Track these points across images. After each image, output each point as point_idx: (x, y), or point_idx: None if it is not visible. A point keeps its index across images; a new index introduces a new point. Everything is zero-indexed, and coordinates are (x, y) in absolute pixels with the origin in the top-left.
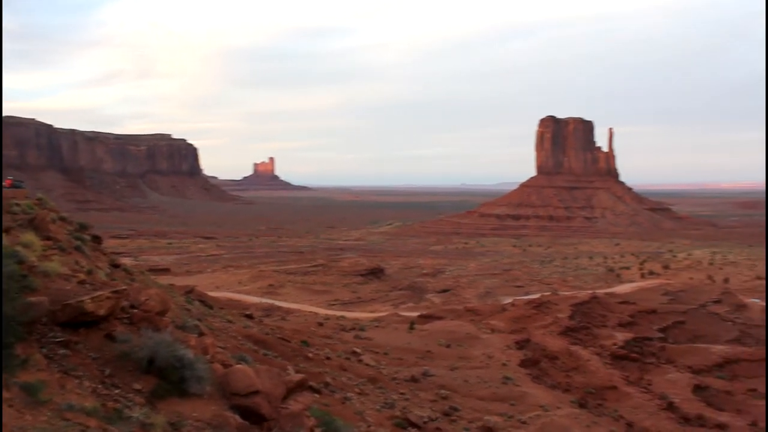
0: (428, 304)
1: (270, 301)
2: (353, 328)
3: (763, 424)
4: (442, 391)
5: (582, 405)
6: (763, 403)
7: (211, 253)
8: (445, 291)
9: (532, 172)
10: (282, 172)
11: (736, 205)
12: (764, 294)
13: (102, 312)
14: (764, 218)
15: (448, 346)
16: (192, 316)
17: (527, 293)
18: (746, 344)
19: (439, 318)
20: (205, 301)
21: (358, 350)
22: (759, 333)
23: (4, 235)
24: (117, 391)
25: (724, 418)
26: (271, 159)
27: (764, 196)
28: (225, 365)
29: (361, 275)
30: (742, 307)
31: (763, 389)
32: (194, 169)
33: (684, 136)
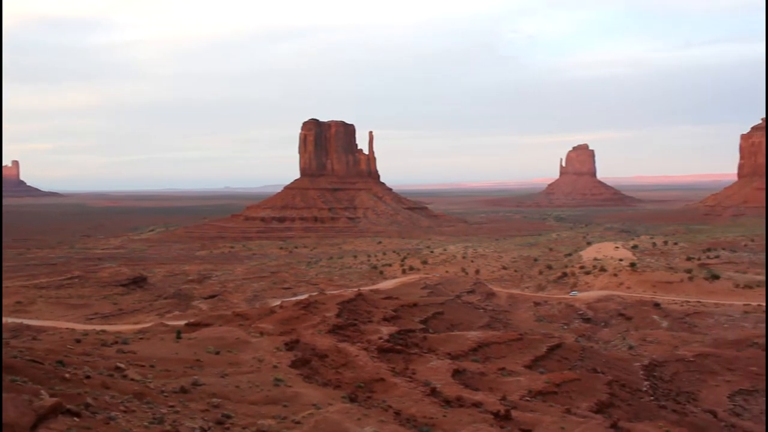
0: (195, 311)
1: (18, 321)
2: (115, 342)
3: (511, 398)
4: (214, 400)
5: (353, 399)
6: (510, 379)
7: None
8: (212, 297)
9: (296, 174)
10: (29, 177)
11: (483, 202)
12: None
13: None
14: (507, 214)
15: (217, 353)
16: None
17: (295, 294)
18: (495, 328)
19: (207, 325)
20: None
21: (121, 365)
22: (505, 317)
23: None
24: None
25: (479, 396)
26: (15, 163)
27: (506, 194)
28: None
29: (123, 285)
30: (491, 295)
31: (510, 367)
32: None
33: (438, 140)
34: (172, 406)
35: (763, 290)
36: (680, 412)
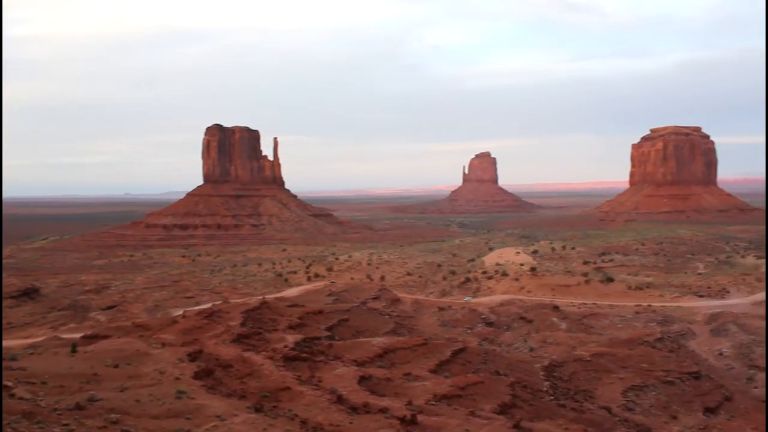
0: (93, 323)
1: None
2: (3, 359)
3: (417, 402)
4: (112, 415)
5: (258, 409)
6: (415, 384)
7: None
8: (111, 308)
9: (200, 180)
10: None
11: (388, 209)
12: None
13: None
14: (411, 221)
15: (116, 366)
16: None
17: (198, 303)
18: (401, 334)
19: (106, 337)
20: None
21: (9, 384)
22: (410, 323)
23: None
24: None
25: (385, 402)
26: None
27: (410, 201)
28: None
29: (12, 297)
30: (396, 301)
31: (416, 372)
32: None
33: (343, 147)
34: (66, 425)
35: (652, 291)
36: (578, 410)
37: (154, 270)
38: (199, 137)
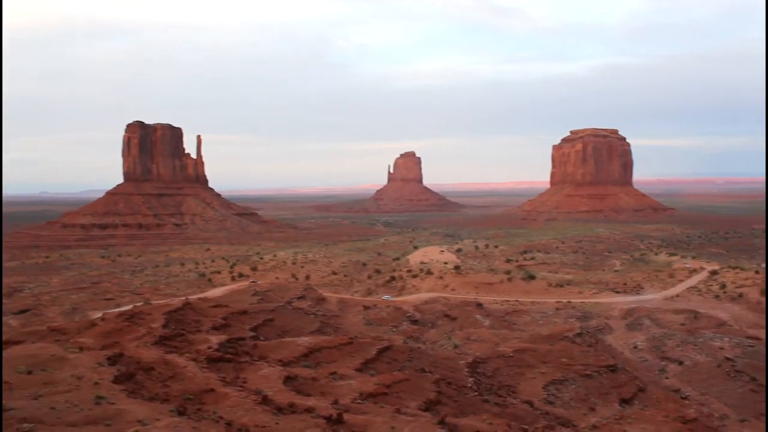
0: (4, 328)
1: None
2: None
3: (343, 401)
4: (25, 425)
5: (181, 413)
6: (341, 383)
7: None
8: (24, 311)
9: (120, 179)
10: None
11: (313, 208)
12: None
13: None
14: (337, 220)
15: (29, 373)
16: None
17: (118, 305)
18: (326, 333)
19: (18, 342)
20: None
21: None
22: (336, 322)
23: None
24: None
25: (311, 402)
26: None
27: (335, 200)
28: None
29: None
30: (322, 300)
31: (342, 371)
32: None
33: (268, 145)
34: None
35: (572, 288)
36: (502, 405)
37: (72, 271)
38: (119, 135)
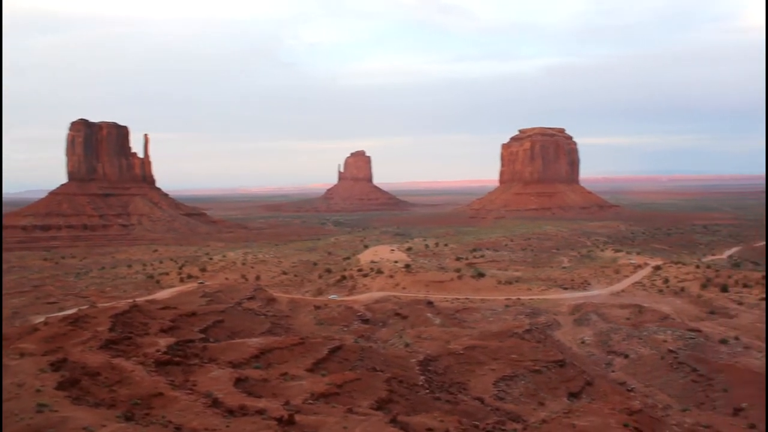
0: None
1: None
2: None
3: (294, 402)
4: None
5: (129, 418)
6: (292, 384)
7: None
8: None
9: (63, 178)
10: None
11: (262, 207)
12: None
13: None
14: (286, 219)
15: None
16: None
17: (62, 309)
18: (277, 334)
19: None
20: None
21: None
22: (287, 322)
23: None
24: None
25: (262, 403)
26: None
27: (285, 199)
28: None
29: None
30: (272, 300)
31: (293, 372)
32: None
33: (216, 144)
34: None
35: (521, 285)
36: (453, 402)
37: (12, 275)
38: (62, 133)
